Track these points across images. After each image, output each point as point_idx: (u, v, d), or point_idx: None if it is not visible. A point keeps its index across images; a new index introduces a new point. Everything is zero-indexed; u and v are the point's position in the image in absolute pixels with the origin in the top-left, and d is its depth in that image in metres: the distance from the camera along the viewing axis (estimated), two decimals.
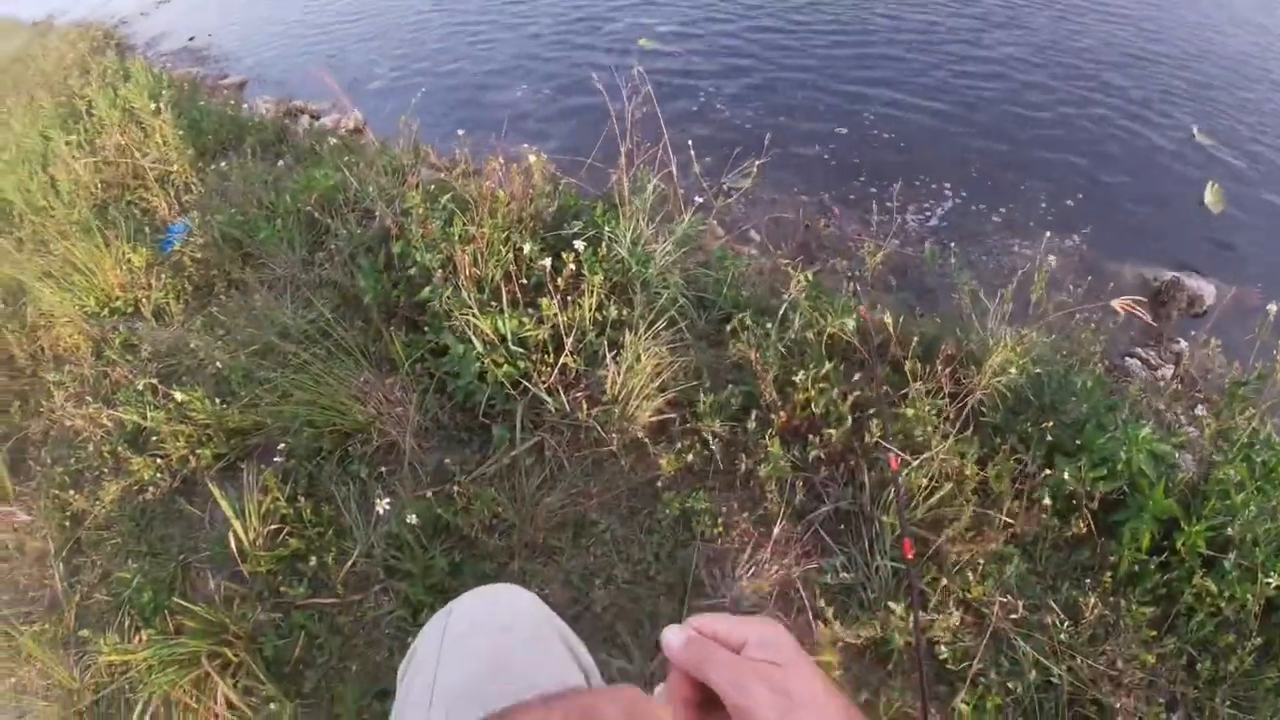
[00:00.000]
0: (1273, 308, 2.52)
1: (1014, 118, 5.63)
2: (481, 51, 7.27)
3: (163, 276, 3.88)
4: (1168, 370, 3.54)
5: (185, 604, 2.37)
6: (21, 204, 4.69)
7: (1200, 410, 3.12)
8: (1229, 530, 2.23)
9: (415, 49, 7.55)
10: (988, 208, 4.67)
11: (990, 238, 4.40)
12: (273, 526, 2.60)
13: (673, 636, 0.75)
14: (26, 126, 5.71)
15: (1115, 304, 3.53)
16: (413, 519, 2.44)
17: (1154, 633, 2.17)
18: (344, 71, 6.78)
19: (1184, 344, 3.75)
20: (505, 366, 2.72)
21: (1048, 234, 3.38)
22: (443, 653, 1.09)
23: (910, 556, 2.03)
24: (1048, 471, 2.38)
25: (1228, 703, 2.08)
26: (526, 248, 2.93)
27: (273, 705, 2.23)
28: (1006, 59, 6.44)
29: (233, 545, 2.49)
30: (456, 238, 2.95)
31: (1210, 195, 4.88)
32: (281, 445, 2.79)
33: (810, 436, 2.55)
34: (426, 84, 6.29)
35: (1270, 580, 2.12)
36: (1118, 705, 2.06)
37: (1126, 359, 3.62)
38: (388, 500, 2.47)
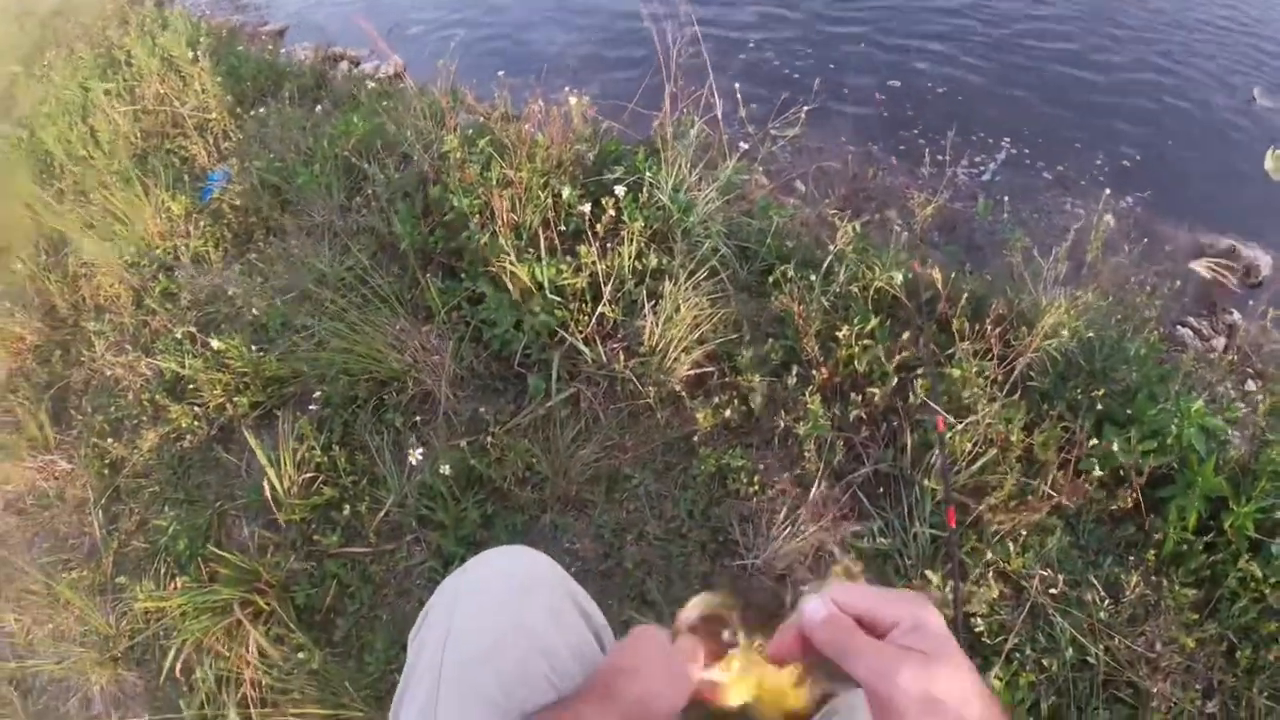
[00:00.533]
0: None
1: (1071, 77, 5.41)
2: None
3: (201, 224, 3.86)
4: (1220, 341, 3.42)
5: (219, 552, 2.38)
6: (62, 155, 4.70)
7: (1251, 385, 3.01)
8: (1278, 513, 2.15)
9: None
10: (1042, 165, 4.52)
11: (1042, 194, 4.26)
12: (307, 475, 2.59)
13: (812, 610, 0.73)
14: (66, 78, 5.68)
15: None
16: (446, 469, 2.42)
17: (1195, 616, 2.09)
18: (383, 17, 6.66)
19: (1237, 315, 3.62)
20: (542, 315, 2.67)
21: (1106, 191, 3.25)
22: (456, 613, 1.09)
23: (953, 525, 1.99)
24: (1094, 442, 2.27)
25: (1265, 693, 2.00)
26: (565, 193, 2.86)
27: (301, 654, 2.23)
28: (1065, 18, 6.18)
29: (267, 493, 2.48)
30: (494, 182, 2.88)
31: (1271, 161, 4.69)
32: (317, 394, 2.78)
33: (852, 395, 2.48)
34: (465, 31, 6.16)
35: None
36: (1154, 690, 1.99)
37: (1178, 328, 3.49)
38: (421, 450, 2.45)
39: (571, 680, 1.06)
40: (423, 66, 4.96)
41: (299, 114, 4.33)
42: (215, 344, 2.88)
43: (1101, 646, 2.04)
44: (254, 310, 3.08)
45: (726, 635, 1.00)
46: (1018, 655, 2.06)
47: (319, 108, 4.46)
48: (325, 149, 3.71)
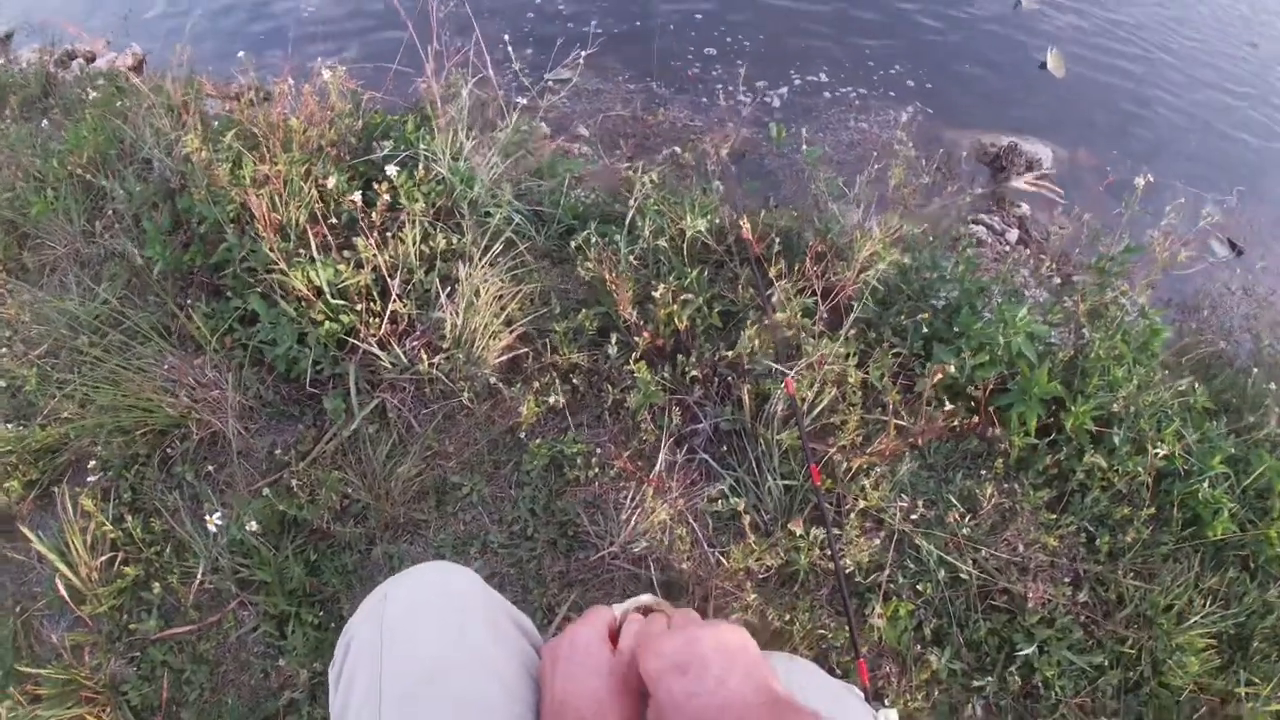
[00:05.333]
0: (1140, 182, 2.33)
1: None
2: None
3: None
4: (1013, 234, 3.39)
5: (31, 671, 1.87)
6: None
7: (1045, 270, 2.91)
8: (1114, 406, 2.10)
9: None
10: (824, 87, 4.29)
11: (825, 113, 4.05)
12: (104, 556, 2.05)
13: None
14: None
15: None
16: (253, 525, 1.96)
17: (1052, 515, 2.03)
18: (117, 2, 5.67)
19: (1026, 207, 3.58)
20: (326, 324, 2.17)
21: (906, 113, 3.05)
22: (385, 643, 0.89)
23: (817, 482, 1.76)
24: (936, 377, 2.06)
25: (1129, 574, 1.97)
26: (331, 181, 2.35)
27: None
28: None
29: (61, 590, 1.96)
30: (248, 181, 2.34)
31: (1052, 60, 4.72)
32: (93, 462, 2.23)
33: (679, 356, 2.17)
34: (204, 5, 5.30)
35: (1159, 451, 2.01)
36: (1027, 592, 1.92)
37: (972, 225, 3.40)
38: (219, 515, 1.98)
39: (524, 703, 0.89)
40: (166, 53, 4.18)
41: (26, 132, 3.55)
42: None
43: (969, 560, 1.96)
44: (4, 376, 2.45)
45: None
46: (892, 585, 1.94)
47: (45, 121, 3.67)
48: (57, 169, 3.00)
